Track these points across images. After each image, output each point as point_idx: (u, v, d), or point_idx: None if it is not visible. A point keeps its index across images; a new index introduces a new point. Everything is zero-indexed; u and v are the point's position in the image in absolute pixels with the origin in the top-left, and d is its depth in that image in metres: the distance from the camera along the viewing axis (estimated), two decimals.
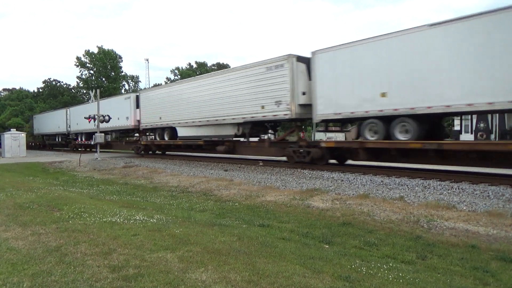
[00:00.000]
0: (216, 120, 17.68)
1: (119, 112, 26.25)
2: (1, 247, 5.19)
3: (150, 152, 25.61)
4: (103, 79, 61.33)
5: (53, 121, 40.17)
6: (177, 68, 74.26)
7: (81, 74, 61.70)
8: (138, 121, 24.84)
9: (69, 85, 64.19)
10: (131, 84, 70.83)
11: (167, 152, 25.60)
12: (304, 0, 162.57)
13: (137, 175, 16.63)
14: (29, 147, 47.87)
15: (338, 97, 12.81)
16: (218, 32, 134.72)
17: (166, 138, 22.60)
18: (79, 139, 34.14)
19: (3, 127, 49.75)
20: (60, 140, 40.31)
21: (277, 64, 14.25)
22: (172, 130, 21.73)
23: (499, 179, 10.02)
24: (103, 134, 25.82)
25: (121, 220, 6.80)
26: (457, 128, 26.64)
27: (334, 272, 4.37)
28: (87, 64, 61.14)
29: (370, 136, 12.35)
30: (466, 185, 9.77)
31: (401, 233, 6.77)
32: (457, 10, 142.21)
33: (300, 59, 13.98)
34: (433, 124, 11.88)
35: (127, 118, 25.57)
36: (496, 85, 9.29)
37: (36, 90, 66.80)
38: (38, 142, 47.91)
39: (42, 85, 65.08)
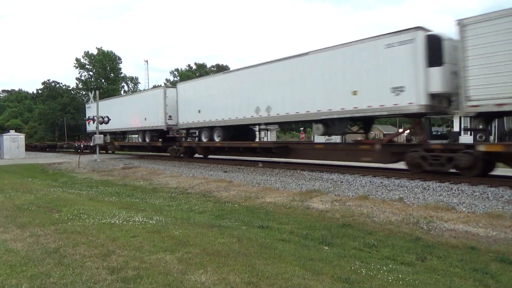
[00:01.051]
0: None
1: (354, 75, 12.28)
2: None
3: None
4: (102, 80, 61.36)
5: (131, 110, 25.97)
6: (177, 70, 74.44)
7: (80, 76, 61.74)
8: (432, 96, 10.58)
9: (68, 86, 64.15)
10: (130, 86, 70.90)
11: None
12: (304, 1, 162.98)
13: (136, 176, 16.60)
14: (76, 149, 32.16)
15: None
16: (218, 33, 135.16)
17: None
18: (198, 138, 20.66)
19: (2, 128, 49.59)
20: (148, 139, 24.37)
21: None
22: None
23: (498, 180, 10.02)
24: (102, 135, 25.60)
25: (120, 221, 6.78)
26: (456, 129, 26.84)
27: (334, 274, 4.37)
28: (87, 66, 61.16)
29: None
30: (465, 186, 9.76)
31: (400, 234, 6.77)
32: (457, 11, 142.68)
33: None
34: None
35: (399, 90, 11.05)
36: None
37: (35, 92, 66.79)
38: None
39: (41, 87, 65.05)
